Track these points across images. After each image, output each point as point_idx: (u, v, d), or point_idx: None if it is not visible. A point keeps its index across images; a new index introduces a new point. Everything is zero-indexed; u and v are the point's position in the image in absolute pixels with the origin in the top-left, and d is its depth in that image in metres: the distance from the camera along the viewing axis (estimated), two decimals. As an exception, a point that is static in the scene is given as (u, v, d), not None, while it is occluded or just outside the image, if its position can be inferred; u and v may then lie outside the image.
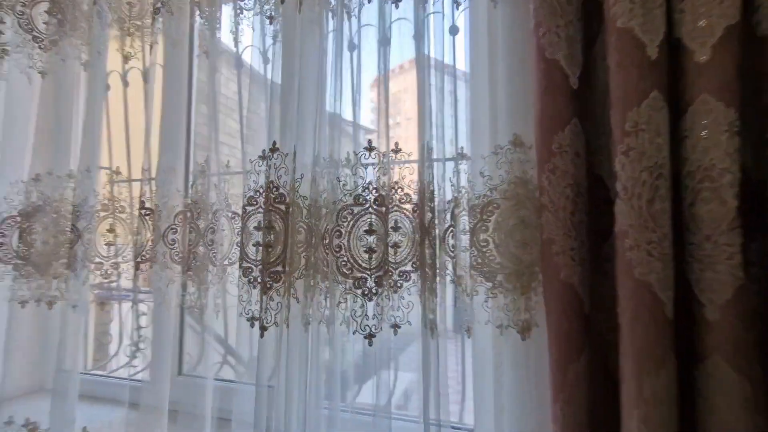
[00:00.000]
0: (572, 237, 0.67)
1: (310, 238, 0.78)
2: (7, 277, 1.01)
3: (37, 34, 1.08)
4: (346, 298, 0.75)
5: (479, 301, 0.75)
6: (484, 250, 0.75)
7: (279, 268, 0.78)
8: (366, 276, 0.75)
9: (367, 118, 0.91)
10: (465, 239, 0.77)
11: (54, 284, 1.01)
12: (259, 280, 0.80)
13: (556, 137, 0.69)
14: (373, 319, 0.75)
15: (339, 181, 0.77)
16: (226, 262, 0.92)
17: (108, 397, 1.18)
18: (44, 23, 1.08)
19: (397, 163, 0.80)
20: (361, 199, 0.76)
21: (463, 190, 0.78)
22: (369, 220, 0.76)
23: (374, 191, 0.76)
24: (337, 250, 0.75)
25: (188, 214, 0.91)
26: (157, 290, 0.95)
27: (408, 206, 0.79)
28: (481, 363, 0.82)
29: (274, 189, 0.79)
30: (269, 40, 0.94)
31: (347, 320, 0.76)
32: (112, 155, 1.08)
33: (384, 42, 0.85)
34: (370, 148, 0.77)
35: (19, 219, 1.01)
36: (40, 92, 1.10)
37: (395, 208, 0.79)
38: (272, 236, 0.79)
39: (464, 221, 0.77)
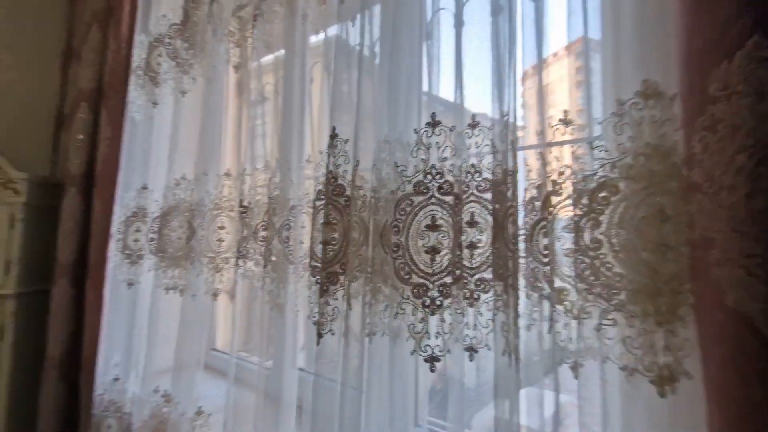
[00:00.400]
0: (749, 236, 0.39)
1: (366, 235, 0.67)
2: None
3: (180, 60, 1.26)
4: (404, 309, 0.61)
5: (590, 327, 0.52)
6: (596, 254, 0.51)
7: (337, 269, 0.69)
8: (427, 283, 0.59)
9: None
10: (568, 239, 0.55)
11: (183, 275, 1.14)
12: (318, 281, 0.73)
13: (717, 72, 0.42)
14: (436, 338, 0.59)
15: (398, 167, 0.64)
16: (307, 261, 0.88)
17: (244, 379, 1.29)
18: (183, 50, 1.25)
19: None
20: (422, 187, 0.61)
21: (566, 170, 0.56)
22: (432, 212, 0.60)
23: (438, 176, 0.60)
24: (395, 249, 0.62)
25: (271, 211, 0.90)
26: (251, 286, 0.98)
27: (489, 195, 0.61)
28: (609, 412, 0.58)
29: (333, 180, 0.71)
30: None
31: (413, 336, 0.62)
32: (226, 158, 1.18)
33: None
34: (434, 123, 0.62)
35: (160, 218, 1.19)
36: (181, 109, 1.27)
37: (471, 197, 0.61)
38: (331, 232, 0.70)
39: (566, 214, 0.55)
